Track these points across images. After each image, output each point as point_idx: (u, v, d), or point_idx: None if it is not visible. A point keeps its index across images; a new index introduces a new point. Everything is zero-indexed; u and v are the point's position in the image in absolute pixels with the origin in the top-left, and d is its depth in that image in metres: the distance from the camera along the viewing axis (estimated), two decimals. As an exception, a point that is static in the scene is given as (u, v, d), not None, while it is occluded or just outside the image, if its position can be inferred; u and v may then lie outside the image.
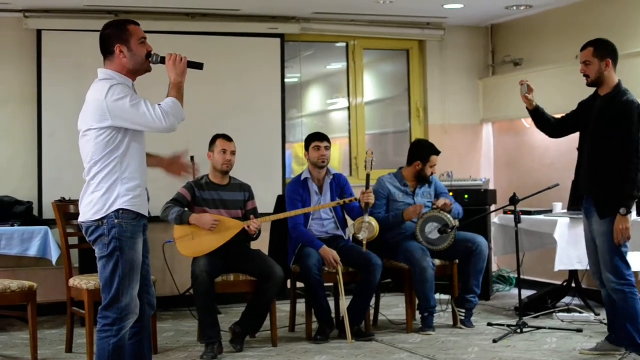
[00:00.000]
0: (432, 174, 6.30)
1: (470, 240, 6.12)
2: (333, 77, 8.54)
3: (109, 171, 3.77)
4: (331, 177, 6.15)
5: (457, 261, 6.23)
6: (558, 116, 5.37)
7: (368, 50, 8.20)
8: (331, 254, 5.83)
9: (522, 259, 6.23)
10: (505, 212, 6.64)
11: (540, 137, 7.53)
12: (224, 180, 5.81)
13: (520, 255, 6.10)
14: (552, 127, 5.34)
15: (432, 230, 6.08)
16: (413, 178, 6.30)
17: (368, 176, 6.00)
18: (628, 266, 4.94)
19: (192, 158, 6.84)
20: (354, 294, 5.91)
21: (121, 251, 3.76)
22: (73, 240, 5.73)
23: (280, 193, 6.85)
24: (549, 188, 6.03)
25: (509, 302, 7.19)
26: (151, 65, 3.90)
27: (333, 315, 6.02)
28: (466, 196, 7.26)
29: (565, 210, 6.71)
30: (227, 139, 5.79)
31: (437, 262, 6.11)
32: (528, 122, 7.80)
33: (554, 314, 6.41)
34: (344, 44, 8.11)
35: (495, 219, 7.01)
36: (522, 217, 6.10)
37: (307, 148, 6.12)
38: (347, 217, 6.24)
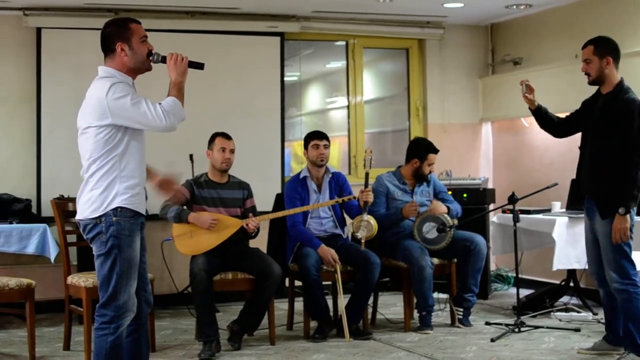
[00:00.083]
0: (430, 172, 6.30)
1: (468, 239, 6.13)
2: (332, 75, 8.54)
3: (107, 169, 3.77)
4: (330, 175, 6.15)
5: (455, 260, 6.23)
6: (560, 115, 5.37)
7: (367, 48, 8.20)
8: (329, 252, 5.83)
9: (520, 258, 6.24)
10: (503, 211, 6.64)
11: (539, 137, 7.55)
12: (223, 178, 5.81)
13: (518, 254, 6.10)
14: (556, 126, 5.32)
15: (429, 230, 6.08)
16: (411, 176, 6.30)
17: (367, 175, 6.00)
18: (633, 266, 4.90)
19: (190, 156, 6.88)
20: (352, 293, 5.91)
21: (119, 249, 3.76)
22: (71, 238, 5.73)
23: (279, 191, 6.86)
24: (548, 187, 6.03)
25: (507, 301, 7.19)
26: (152, 64, 3.90)
27: (331, 314, 6.02)
28: (465, 195, 7.27)
29: (564, 210, 6.72)
30: (226, 137, 5.79)
31: (436, 260, 6.11)
32: (527, 122, 7.80)
33: (552, 313, 6.42)
34: (343, 43, 8.11)
35: (493, 218, 7.02)
36: (521, 216, 6.09)
37: (306, 146, 6.12)
38: (345, 215, 6.24)
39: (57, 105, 6.87)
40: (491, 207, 7.30)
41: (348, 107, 8.13)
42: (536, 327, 5.96)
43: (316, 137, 6.09)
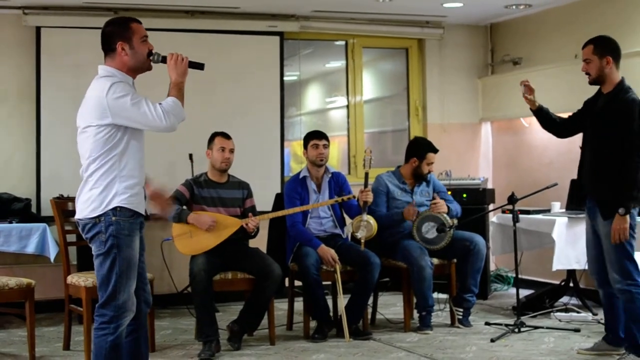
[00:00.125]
0: (429, 171, 6.30)
1: (468, 239, 6.12)
2: (332, 75, 8.54)
3: (107, 168, 3.77)
4: (329, 175, 6.15)
5: (455, 260, 6.23)
6: (560, 115, 5.35)
7: (367, 48, 8.19)
8: (329, 252, 5.82)
9: (520, 258, 6.23)
10: (503, 211, 6.64)
11: (538, 137, 7.55)
12: (223, 178, 5.81)
13: (518, 254, 6.10)
14: (558, 126, 5.30)
15: (428, 230, 6.08)
16: (411, 176, 6.30)
17: (366, 174, 6.00)
18: (636, 266, 4.88)
19: (190, 156, 6.88)
20: (351, 293, 5.91)
21: (118, 249, 3.75)
22: (71, 238, 5.72)
23: (279, 191, 6.85)
24: (548, 187, 6.03)
25: (506, 302, 7.19)
26: (152, 64, 3.89)
27: (331, 314, 6.02)
28: (464, 195, 7.27)
29: (564, 210, 6.71)
30: (226, 136, 5.78)
31: (435, 261, 6.11)
32: (527, 122, 7.80)
33: (552, 314, 6.42)
34: (343, 42, 8.11)
35: (493, 218, 7.01)
36: (520, 216, 6.09)
37: (305, 146, 6.12)
38: (345, 215, 6.24)
39: (56, 104, 6.87)
40: (491, 207, 7.30)
41: (347, 106, 8.13)
42: (536, 328, 5.96)
43: (315, 137, 6.08)
